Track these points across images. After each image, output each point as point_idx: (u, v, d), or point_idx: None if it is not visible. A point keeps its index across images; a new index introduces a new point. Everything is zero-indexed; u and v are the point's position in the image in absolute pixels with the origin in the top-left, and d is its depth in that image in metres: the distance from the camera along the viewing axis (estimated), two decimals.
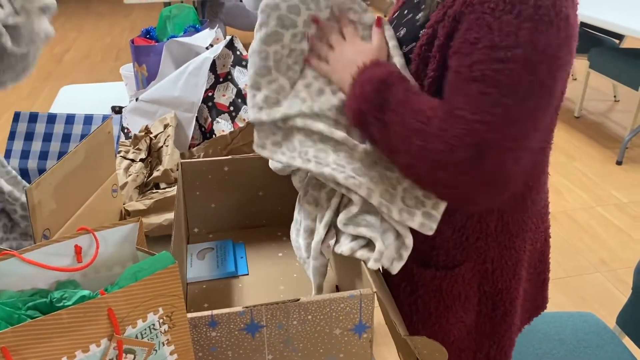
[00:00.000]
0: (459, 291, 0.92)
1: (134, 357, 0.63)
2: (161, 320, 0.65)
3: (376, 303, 0.82)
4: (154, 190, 1.34)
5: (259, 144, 0.88)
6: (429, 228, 0.82)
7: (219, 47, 1.47)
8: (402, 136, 0.75)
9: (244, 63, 1.51)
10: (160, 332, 0.65)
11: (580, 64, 4.58)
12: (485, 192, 0.73)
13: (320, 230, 0.88)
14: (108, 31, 6.31)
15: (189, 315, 0.76)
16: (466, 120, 0.71)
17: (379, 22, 0.88)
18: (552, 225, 2.68)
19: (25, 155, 1.21)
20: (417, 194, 0.83)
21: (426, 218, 0.82)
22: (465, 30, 0.73)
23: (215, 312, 0.76)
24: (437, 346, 0.83)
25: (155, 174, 1.34)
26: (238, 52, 1.51)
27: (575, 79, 4.57)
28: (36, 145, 1.22)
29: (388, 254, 0.83)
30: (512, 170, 0.72)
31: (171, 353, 0.67)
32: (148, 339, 0.64)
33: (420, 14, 0.83)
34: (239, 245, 1.20)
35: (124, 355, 0.61)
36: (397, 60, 0.85)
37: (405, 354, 0.86)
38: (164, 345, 0.66)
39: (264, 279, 1.09)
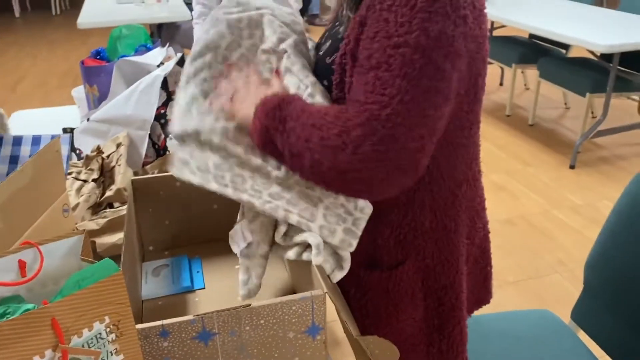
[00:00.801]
0: (405, 289, 0.94)
1: None
2: (108, 329, 0.64)
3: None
4: (107, 210, 1.33)
5: (171, 162, 0.89)
6: (349, 244, 0.85)
7: (170, 64, 1.48)
8: (303, 136, 0.77)
9: None
10: (108, 341, 0.64)
11: (531, 74, 4.74)
12: (387, 173, 0.73)
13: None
14: (64, 58, 6.22)
15: (139, 326, 0.75)
16: (360, 103, 0.73)
17: (277, 72, 0.94)
18: (510, 230, 2.74)
19: None
20: (339, 212, 0.86)
21: (347, 234, 0.85)
22: (367, 30, 0.77)
23: (166, 321, 0.76)
24: (389, 345, 0.85)
25: (108, 193, 1.32)
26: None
27: (528, 89, 4.71)
28: None
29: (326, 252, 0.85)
30: (409, 147, 0.72)
31: None
32: (95, 349, 0.63)
33: (342, 27, 0.89)
34: (195, 260, 1.19)
35: None
36: (310, 80, 0.89)
37: (359, 354, 0.87)
38: (112, 354, 0.65)
39: (221, 292, 1.09)
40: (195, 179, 0.88)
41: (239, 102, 0.91)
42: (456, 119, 0.85)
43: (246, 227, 0.93)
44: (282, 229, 0.88)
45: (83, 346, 0.62)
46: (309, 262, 0.88)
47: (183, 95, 0.94)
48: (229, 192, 0.87)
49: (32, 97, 5.02)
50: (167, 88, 1.50)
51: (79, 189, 1.31)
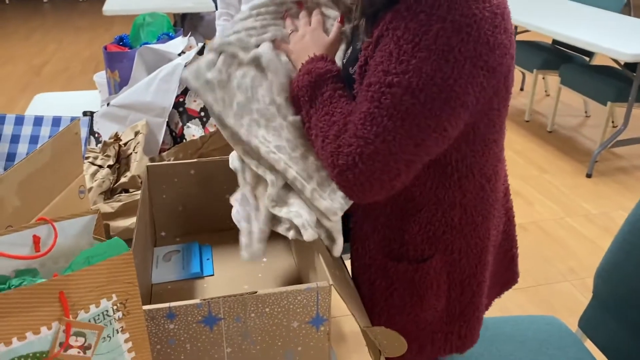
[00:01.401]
0: (431, 282, 0.95)
1: (85, 341, 0.64)
2: (115, 307, 0.65)
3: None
4: (122, 194, 1.35)
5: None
6: (333, 212, 0.89)
7: (191, 53, 1.50)
8: (315, 130, 0.89)
9: None
10: (114, 319, 0.66)
11: (552, 80, 4.69)
12: (362, 192, 0.84)
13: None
14: (88, 44, 6.30)
15: (147, 307, 0.77)
16: (350, 134, 0.82)
17: (341, 19, 1.00)
18: (523, 236, 2.73)
19: None
20: (333, 185, 0.90)
21: (334, 202, 0.89)
22: (378, 51, 0.82)
23: (173, 304, 0.77)
24: (397, 336, 0.85)
25: (122, 180, 1.34)
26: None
27: (549, 95, 4.67)
28: (3, 147, 1.22)
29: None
30: (384, 179, 0.82)
31: (126, 341, 0.68)
32: (102, 324, 0.65)
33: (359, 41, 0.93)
34: (205, 247, 1.21)
35: (75, 338, 0.62)
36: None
37: (370, 345, 0.88)
38: (118, 332, 0.67)
39: (229, 279, 1.10)
40: (216, 107, 0.95)
41: (294, 42, 0.98)
42: (487, 118, 0.86)
43: (249, 192, 0.95)
44: (272, 191, 0.91)
45: (89, 321, 0.64)
46: (314, 252, 0.89)
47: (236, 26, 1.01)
48: (242, 132, 0.94)
49: (56, 81, 5.09)
50: None
51: (93, 174, 1.33)
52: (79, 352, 0.64)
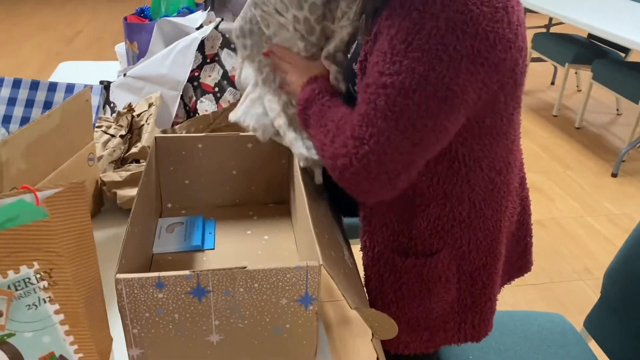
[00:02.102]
0: (439, 275, 0.95)
1: None
2: (38, 276, 0.65)
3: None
4: (132, 164, 1.37)
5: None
6: (304, 159, 1.00)
7: (208, 28, 1.50)
8: (317, 145, 0.93)
9: (232, 46, 1.53)
10: (39, 287, 0.65)
11: (585, 75, 4.57)
12: (363, 192, 0.84)
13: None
14: (121, 15, 6.36)
15: (136, 275, 0.78)
16: (347, 135, 0.83)
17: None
18: (540, 232, 2.69)
19: (7, 120, 1.24)
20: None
21: (308, 153, 0.99)
22: (375, 50, 0.81)
23: (162, 273, 0.78)
24: (387, 319, 0.85)
25: (133, 150, 1.36)
26: (227, 35, 1.53)
27: (580, 90, 4.56)
28: (18, 111, 1.24)
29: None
30: (381, 178, 0.82)
31: (56, 312, 0.68)
32: (24, 292, 0.64)
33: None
34: (209, 221, 1.22)
35: None
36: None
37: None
38: (45, 302, 0.66)
39: (229, 254, 1.11)
40: (243, 53, 1.08)
41: (290, 82, 1.05)
42: (494, 112, 0.84)
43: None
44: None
45: (9, 287, 0.63)
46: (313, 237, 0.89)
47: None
48: (259, 79, 1.07)
49: (86, 51, 5.16)
50: (204, 51, 1.53)
51: (105, 143, 1.35)
52: None
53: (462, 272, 0.97)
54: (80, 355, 0.72)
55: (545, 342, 1.37)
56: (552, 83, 4.71)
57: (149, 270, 1.07)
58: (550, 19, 4.52)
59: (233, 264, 1.07)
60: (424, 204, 0.90)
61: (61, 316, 0.68)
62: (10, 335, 0.66)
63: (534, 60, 4.43)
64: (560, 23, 4.30)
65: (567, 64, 3.85)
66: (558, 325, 1.44)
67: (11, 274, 0.63)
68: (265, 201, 1.28)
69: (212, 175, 1.24)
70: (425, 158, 0.83)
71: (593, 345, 1.39)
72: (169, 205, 1.27)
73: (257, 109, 1.11)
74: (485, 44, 0.76)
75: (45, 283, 0.66)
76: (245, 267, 0.80)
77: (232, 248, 1.13)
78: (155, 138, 1.18)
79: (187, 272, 0.79)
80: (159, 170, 1.22)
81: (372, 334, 0.88)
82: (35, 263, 0.64)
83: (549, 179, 3.18)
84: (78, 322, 0.70)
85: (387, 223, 0.95)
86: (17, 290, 0.64)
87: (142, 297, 0.79)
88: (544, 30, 4.60)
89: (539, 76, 4.87)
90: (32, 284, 0.65)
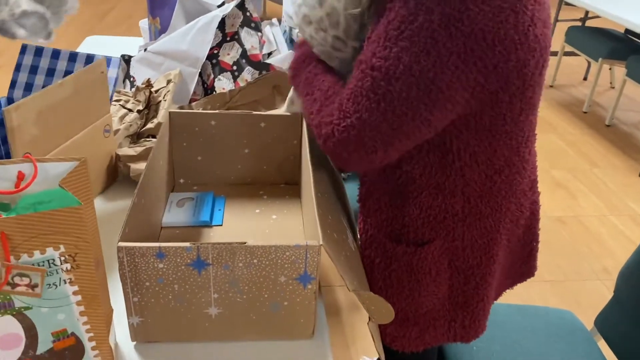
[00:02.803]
0: (429, 267, 0.94)
1: (30, 280, 0.66)
2: (63, 258, 0.67)
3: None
4: (149, 139, 1.38)
5: None
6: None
7: (230, 6, 1.50)
8: (305, 109, 0.96)
9: (252, 25, 1.53)
10: (62, 269, 0.67)
11: (619, 72, 4.45)
12: (342, 161, 0.87)
13: None
14: None
15: (138, 244, 0.79)
16: (334, 106, 0.86)
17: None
18: (560, 229, 2.64)
19: (28, 87, 1.26)
20: None
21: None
22: (375, 29, 0.82)
23: (163, 244, 0.79)
24: (384, 303, 0.85)
25: (149, 125, 1.37)
26: (248, 14, 1.53)
27: (613, 87, 4.44)
28: (39, 79, 1.26)
29: None
30: (360, 152, 0.84)
31: (74, 293, 0.70)
32: (46, 272, 0.66)
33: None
34: (219, 198, 1.23)
35: (20, 278, 0.65)
36: None
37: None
38: (65, 283, 0.69)
39: (236, 232, 1.12)
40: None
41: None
42: (493, 111, 0.82)
43: None
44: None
45: (33, 265, 0.65)
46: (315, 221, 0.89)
47: None
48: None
49: (118, 27, 5.22)
50: (224, 29, 1.53)
51: (122, 117, 1.36)
52: (27, 289, 0.67)
53: (454, 268, 0.95)
54: (91, 334, 0.75)
55: (552, 338, 1.35)
56: (585, 78, 4.60)
57: (157, 241, 1.08)
58: (587, 12, 4.40)
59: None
60: (416, 191, 0.90)
61: (79, 297, 0.71)
62: (27, 308, 0.69)
63: (567, 54, 4.32)
64: (597, 17, 4.18)
65: (600, 59, 3.75)
66: (567, 322, 1.42)
67: (37, 254, 0.66)
68: (276, 181, 1.29)
69: (225, 152, 1.25)
70: (407, 143, 0.84)
71: (602, 345, 1.37)
72: (181, 180, 1.28)
73: None
74: (481, 44, 0.74)
75: (68, 265, 0.68)
76: (245, 243, 0.80)
77: (240, 225, 1.14)
78: (170, 113, 1.19)
79: (187, 244, 0.79)
80: (172, 146, 1.23)
81: (369, 318, 0.88)
82: (61, 246, 0.67)
83: (573, 176, 3.12)
84: (94, 305, 0.72)
85: (381, 207, 0.95)
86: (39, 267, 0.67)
87: (142, 266, 0.81)
88: (579, 23, 4.48)
89: (572, 71, 4.76)
90: (55, 265, 0.67)
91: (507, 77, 0.78)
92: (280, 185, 1.29)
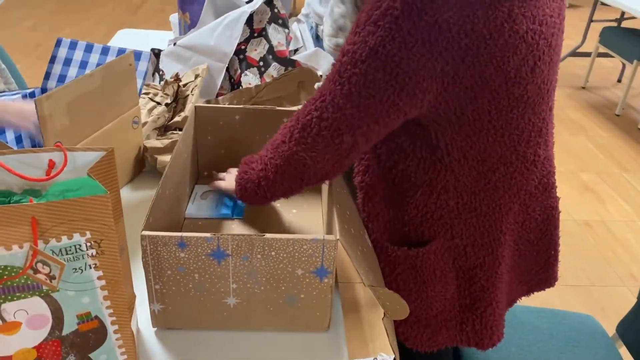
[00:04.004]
0: (433, 267, 0.94)
1: (50, 271, 0.69)
2: (89, 244, 0.69)
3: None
4: (176, 132, 1.41)
5: None
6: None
7: (258, 2, 1.52)
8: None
9: (279, 21, 1.55)
10: (88, 254, 0.70)
11: None
12: (309, 150, 0.86)
13: None
14: None
15: (161, 233, 0.82)
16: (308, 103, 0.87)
17: None
18: (586, 233, 2.60)
19: (62, 79, 1.31)
20: None
21: None
22: None
23: (185, 234, 0.82)
24: (399, 299, 0.86)
25: (176, 119, 1.40)
26: (276, 10, 1.55)
27: None
28: (73, 71, 1.30)
29: None
30: (320, 135, 0.84)
31: (99, 278, 0.73)
32: (73, 257, 0.69)
33: None
34: None
35: (41, 265, 0.68)
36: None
37: None
38: (91, 268, 0.71)
39: (256, 224, 1.14)
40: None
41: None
42: (474, 105, 0.81)
43: None
44: None
45: (60, 250, 0.68)
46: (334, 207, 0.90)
47: None
48: None
49: (150, 20, 5.30)
50: (252, 25, 1.55)
51: (150, 110, 1.39)
52: (45, 278, 0.69)
53: (458, 267, 0.95)
54: (114, 318, 0.78)
55: (571, 342, 1.34)
56: (619, 80, 4.50)
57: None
58: (622, 12, 4.31)
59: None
60: (412, 189, 0.91)
61: (103, 282, 0.74)
62: (54, 290, 0.71)
63: (601, 55, 4.24)
64: (633, 17, 4.09)
65: (635, 61, 3.67)
66: (588, 326, 1.40)
67: (64, 239, 0.69)
68: None
69: (248, 147, 1.27)
70: (376, 129, 0.83)
71: (624, 352, 1.35)
72: (205, 173, 1.31)
73: None
74: (446, 35, 0.74)
75: (93, 251, 0.71)
76: (264, 235, 0.82)
77: (261, 218, 1.16)
78: (195, 107, 1.22)
79: (208, 234, 0.82)
80: (197, 139, 1.26)
81: (384, 314, 0.89)
82: (88, 232, 0.69)
83: (602, 180, 3.07)
84: (117, 289, 0.75)
85: (382, 210, 0.95)
86: (67, 254, 0.70)
87: (165, 255, 0.83)
88: (614, 24, 4.38)
89: (605, 72, 4.66)
90: (81, 250, 0.70)
91: (482, 72, 0.77)
92: None
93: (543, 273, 1.07)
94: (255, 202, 0.99)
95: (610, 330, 1.41)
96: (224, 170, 1.29)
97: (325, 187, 1.15)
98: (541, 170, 0.95)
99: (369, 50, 0.76)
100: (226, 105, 1.23)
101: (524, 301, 1.36)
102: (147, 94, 1.46)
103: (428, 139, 0.86)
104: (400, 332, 1.00)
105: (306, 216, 1.17)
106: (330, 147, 0.85)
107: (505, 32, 0.77)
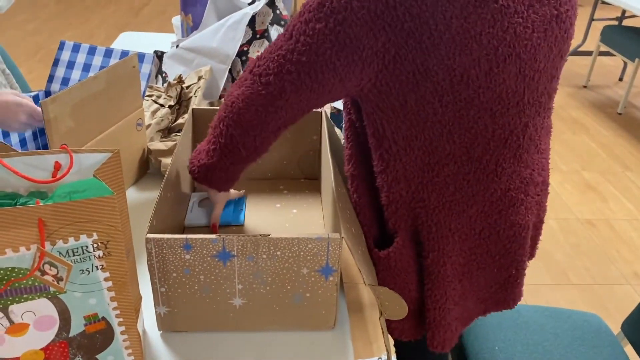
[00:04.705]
0: (402, 264, 0.94)
1: (57, 272, 0.69)
2: (95, 245, 0.70)
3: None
4: (179, 134, 1.41)
5: None
6: None
7: (260, 3, 1.52)
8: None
9: (282, 22, 1.55)
10: (95, 256, 0.70)
11: None
12: (248, 122, 0.89)
13: None
14: None
15: (167, 235, 0.82)
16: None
17: None
18: (589, 232, 2.60)
19: (65, 82, 1.31)
20: None
21: None
22: None
23: (190, 236, 0.82)
24: (398, 299, 0.86)
25: (180, 120, 1.41)
26: (278, 11, 1.55)
27: None
28: (76, 74, 1.31)
29: None
30: (250, 113, 0.87)
31: (106, 279, 0.73)
32: (80, 258, 0.70)
33: None
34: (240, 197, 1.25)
35: (49, 267, 0.68)
36: None
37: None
38: (97, 269, 0.72)
39: (257, 228, 1.14)
40: None
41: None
42: (417, 95, 0.80)
43: None
44: None
45: (67, 252, 0.68)
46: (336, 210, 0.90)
47: None
48: None
49: (151, 23, 5.31)
50: (254, 27, 1.55)
51: (154, 112, 1.40)
52: (52, 280, 0.70)
53: (419, 262, 0.95)
54: (120, 320, 0.78)
55: (576, 341, 1.34)
56: (620, 79, 4.50)
57: None
58: (624, 11, 4.31)
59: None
60: (380, 184, 0.92)
61: (110, 283, 0.74)
62: (61, 292, 0.72)
63: (602, 54, 4.24)
64: (634, 16, 4.09)
65: (637, 60, 3.66)
66: (593, 325, 1.40)
67: (71, 241, 0.69)
68: (296, 176, 1.31)
69: None
70: (307, 83, 0.83)
71: (629, 350, 1.35)
72: None
73: None
74: (391, 12, 0.76)
75: (100, 252, 0.71)
76: (269, 235, 0.82)
77: (261, 221, 1.16)
78: (193, 110, 1.22)
79: (213, 236, 0.82)
80: (196, 142, 1.26)
81: (380, 312, 0.89)
82: (94, 234, 0.70)
83: (605, 179, 3.06)
84: (124, 291, 0.76)
85: (367, 213, 0.96)
86: (74, 255, 0.70)
87: (170, 257, 0.83)
88: (615, 23, 4.38)
89: (607, 71, 4.66)
90: (88, 252, 0.71)
91: (424, 61, 0.77)
92: (300, 180, 1.31)
93: (501, 292, 1.02)
94: (212, 177, 0.99)
95: (615, 328, 1.41)
96: None
97: (324, 186, 1.15)
98: (506, 184, 0.90)
99: (317, 3, 0.78)
100: None
101: (529, 300, 1.36)
102: (150, 96, 1.46)
103: (375, 131, 0.87)
104: (394, 328, 1.00)
105: (306, 216, 1.18)
106: (256, 85, 0.86)
107: (453, 28, 0.75)
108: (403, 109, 0.82)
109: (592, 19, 4.42)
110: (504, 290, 1.01)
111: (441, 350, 0.99)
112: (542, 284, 2.26)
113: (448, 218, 0.90)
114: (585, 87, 4.33)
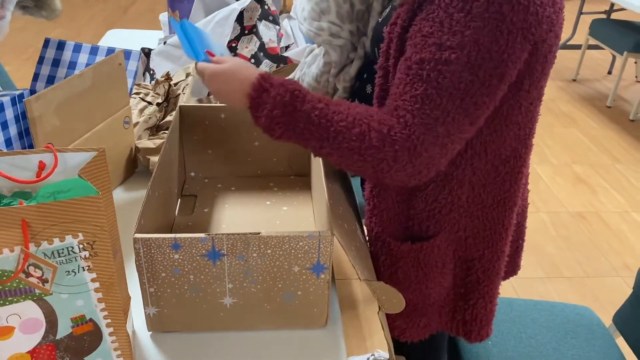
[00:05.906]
0: (436, 260, 0.94)
1: (42, 274, 0.68)
2: (81, 246, 0.68)
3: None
4: (166, 132, 1.40)
5: None
6: None
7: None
8: (328, 149, 0.80)
9: (270, 18, 1.54)
10: (81, 257, 0.69)
11: None
12: (419, 178, 0.80)
13: None
14: None
15: (153, 235, 0.81)
16: (405, 117, 0.76)
17: None
18: (579, 224, 2.61)
19: (50, 80, 1.28)
20: None
21: None
22: (421, 19, 0.76)
23: (178, 235, 0.80)
24: (395, 293, 0.85)
25: (168, 118, 1.39)
26: (266, 7, 1.53)
27: (639, 81, 4.36)
28: (62, 72, 1.28)
29: None
30: (439, 162, 0.79)
31: (92, 280, 0.72)
32: (65, 259, 0.68)
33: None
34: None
35: (33, 268, 0.66)
36: None
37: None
38: (84, 270, 0.70)
39: (247, 224, 1.13)
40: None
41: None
42: (514, 99, 0.82)
43: None
44: None
45: (52, 253, 0.67)
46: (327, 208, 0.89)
47: None
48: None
49: (140, 20, 5.27)
50: (243, 22, 1.54)
51: (142, 110, 1.38)
52: (38, 282, 0.68)
53: (457, 257, 0.95)
54: (109, 321, 0.77)
55: (569, 334, 1.34)
56: (609, 72, 4.51)
57: (171, 232, 1.10)
58: (612, 4, 4.32)
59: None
60: (424, 184, 0.89)
61: (96, 284, 0.73)
62: (47, 294, 0.71)
63: (591, 47, 4.25)
64: (622, 9, 4.10)
65: (625, 53, 3.68)
66: (585, 318, 1.40)
67: (56, 242, 0.67)
68: (286, 173, 1.29)
69: (235, 145, 1.25)
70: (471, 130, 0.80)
71: (621, 342, 1.35)
72: (192, 173, 1.29)
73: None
74: (535, 18, 0.73)
75: (86, 253, 0.70)
76: (259, 233, 0.81)
77: (251, 217, 1.15)
78: (180, 107, 1.20)
79: (202, 234, 0.81)
80: (183, 139, 1.24)
81: (379, 307, 0.88)
82: (80, 234, 0.68)
83: (595, 171, 3.07)
84: (112, 292, 0.74)
85: (388, 205, 0.94)
86: (59, 256, 0.69)
87: (158, 257, 0.82)
88: (603, 16, 4.40)
89: (596, 64, 4.67)
90: (74, 252, 0.69)
91: (536, 60, 0.78)
92: (290, 177, 1.30)
93: (511, 262, 1.08)
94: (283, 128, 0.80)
95: (607, 320, 1.41)
96: (212, 171, 1.28)
97: (315, 183, 1.14)
98: (527, 165, 0.95)
99: (484, 50, 0.71)
100: (211, 105, 1.22)
101: (521, 294, 1.37)
102: (138, 93, 1.44)
103: None
104: (397, 326, 0.99)
105: (297, 213, 1.17)
106: (436, 167, 0.80)
107: (560, 19, 0.79)
108: (495, 112, 0.82)
109: (580, 13, 4.43)
110: (514, 259, 1.08)
111: (480, 340, 1.00)
112: (534, 277, 2.26)
113: (502, 215, 0.92)
114: (574, 80, 4.34)
